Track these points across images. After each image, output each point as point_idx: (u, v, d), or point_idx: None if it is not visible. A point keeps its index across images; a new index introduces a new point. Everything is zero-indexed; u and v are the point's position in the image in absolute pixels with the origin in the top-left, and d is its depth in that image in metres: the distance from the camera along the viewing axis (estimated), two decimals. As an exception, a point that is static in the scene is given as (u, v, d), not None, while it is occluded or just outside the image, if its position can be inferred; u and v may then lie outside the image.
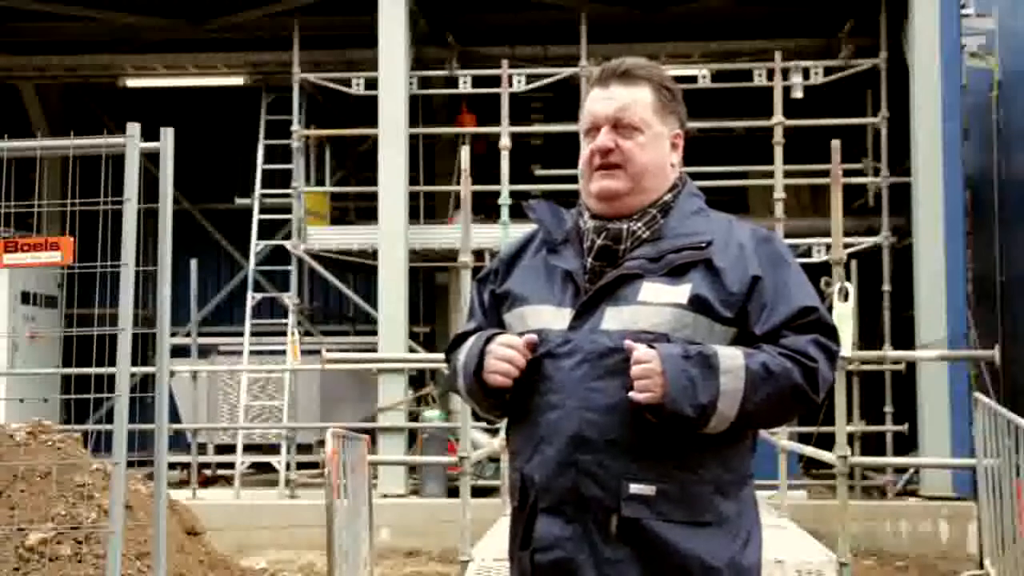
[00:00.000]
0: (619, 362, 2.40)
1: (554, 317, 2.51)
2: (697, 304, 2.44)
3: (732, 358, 2.39)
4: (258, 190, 13.72)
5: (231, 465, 12.36)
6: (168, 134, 4.59)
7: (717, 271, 2.46)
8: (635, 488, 2.39)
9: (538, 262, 2.63)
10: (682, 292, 2.44)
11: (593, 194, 2.58)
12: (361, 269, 13.70)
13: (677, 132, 2.63)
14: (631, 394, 2.36)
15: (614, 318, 2.45)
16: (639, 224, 2.54)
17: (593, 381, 2.43)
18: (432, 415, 11.93)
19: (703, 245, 2.49)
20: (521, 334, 2.52)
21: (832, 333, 2.49)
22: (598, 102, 2.58)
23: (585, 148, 2.60)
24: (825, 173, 8.37)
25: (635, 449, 2.40)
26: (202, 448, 12.67)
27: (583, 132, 2.62)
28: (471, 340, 2.63)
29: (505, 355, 2.48)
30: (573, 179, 12.47)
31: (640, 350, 2.37)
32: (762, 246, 2.53)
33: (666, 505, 2.40)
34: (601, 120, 2.56)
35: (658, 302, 2.44)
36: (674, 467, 2.41)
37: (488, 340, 2.54)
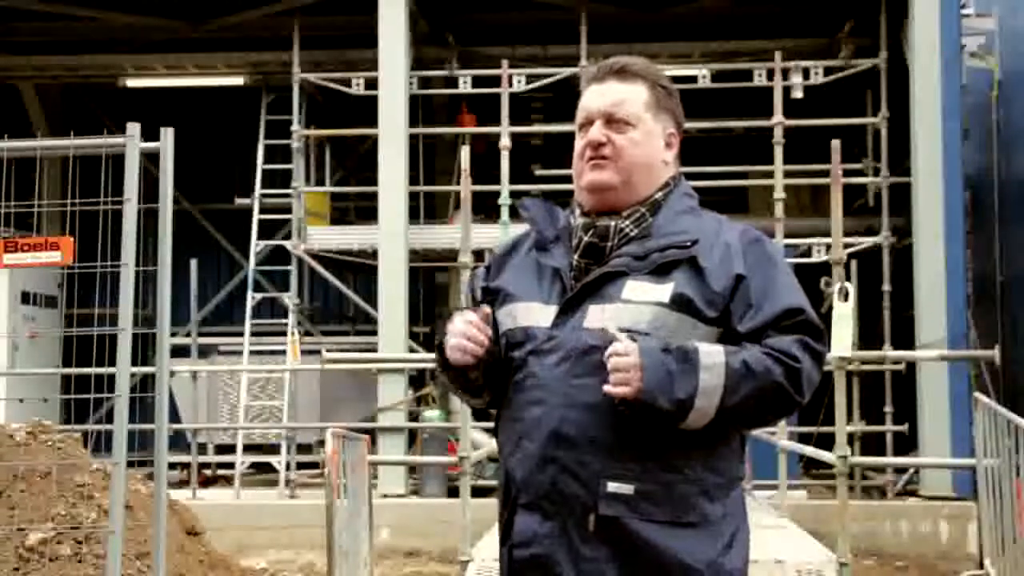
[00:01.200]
0: (601, 359, 2.39)
1: (542, 314, 2.52)
2: (679, 303, 2.43)
3: (713, 354, 2.38)
4: (258, 190, 13.72)
5: (231, 465, 12.35)
6: (168, 134, 4.59)
7: (701, 270, 2.46)
8: (613, 487, 2.39)
9: (530, 260, 2.64)
10: (665, 291, 2.44)
11: (584, 186, 2.59)
12: (361, 269, 13.70)
13: (672, 131, 2.63)
14: (606, 387, 2.35)
15: (597, 316, 2.45)
16: (627, 222, 2.55)
17: (575, 378, 2.43)
18: (432, 415, 11.92)
19: (688, 244, 2.48)
20: (511, 331, 2.54)
21: (819, 334, 2.47)
22: (592, 97, 2.60)
23: (578, 142, 2.61)
24: (825, 173, 8.37)
25: (615, 447, 2.40)
26: (202, 448, 12.66)
27: (577, 127, 2.63)
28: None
29: (463, 330, 2.50)
30: (572, 179, 12.45)
31: (619, 343, 2.36)
32: (750, 246, 2.52)
33: (647, 504, 2.39)
34: (594, 114, 2.57)
35: (640, 300, 2.44)
36: (656, 467, 2.40)
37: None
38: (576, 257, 2.54)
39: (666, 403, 2.34)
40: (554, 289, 2.54)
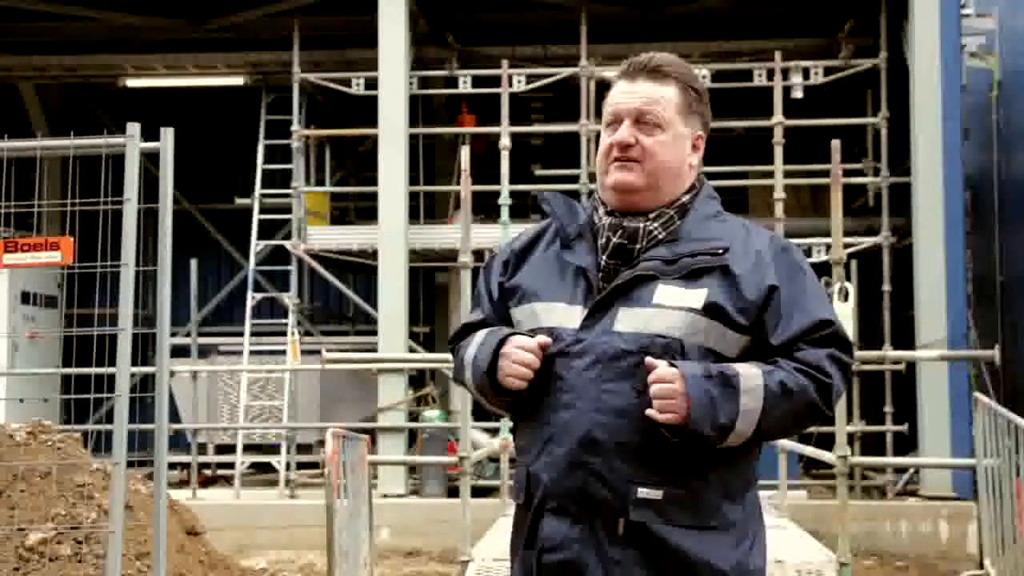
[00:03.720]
0: (632, 365, 2.39)
1: (566, 315, 2.49)
2: (712, 311, 2.42)
3: (752, 378, 2.39)
4: (258, 190, 13.72)
5: (231, 465, 12.35)
6: (168, 134, 4.59)
7: (734, 277, 2.44)
8: (643, 492, 2.39)
9: (550, 257, 2.59)
10: (698, 297, 2.43)
11: (608, 186, 2.55)
12: (361, 269, 13.70)
13: (699, 134, 2.61)
14: (649, 412, 2.35)
15: (628, 319, 2.43)
16: (656, 224, 2.52)
17: (605, 383, 2.41)
18: (432, 415, 11.93)
19: (720, 251, 2.47)
20: (532, 331, 2.50)
21: (847, 347, 2.49)
22: (623, 95, 2.56)
23: (605, 140, 2.57)
24: (825, 173, 8.38)
25: (644, 453, 2.40)
26: (202, 448, 12.66)
27: (604, 124, 2.59)
28: (481, 335, 2.59)
29: (522, 359, 2.45)
30: (573, 179, 12.48)
31: (661, 368, 2.35)
32: (780, 255, 2.51)
33: (674, 510, 2.40)
34: (624, 113, 2.54)
35: (673, 306, 2.42)
36: (684, 472, 2.41)
37: (502, 341, 2.50)
38: (604, 258, 2.51)
39: (709, 429, 2.35)
40: (579, 289, 2.51)
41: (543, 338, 2.46)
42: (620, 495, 2.39)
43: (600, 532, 2.41)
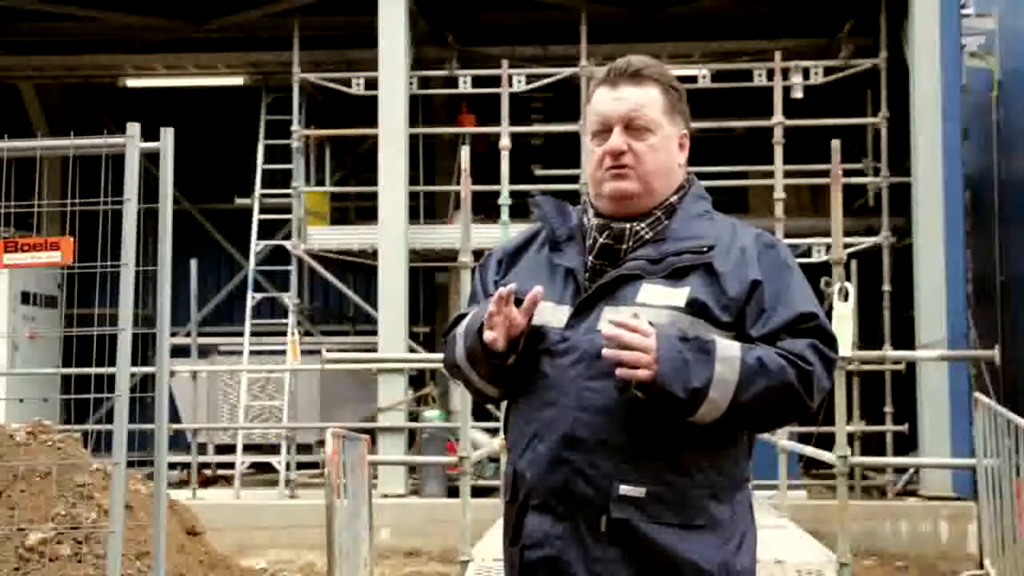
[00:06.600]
0: (614, 363, 2.39)
1: (554, 314, 2.51)
2: (695, 308, 2.44)
3: (729, 348, 2.39)
4: (258, 190, 13.72)
5: (231, 465, 12.35)
6: (168, 134, 4.59)
7: (717, 275, 2.46)
8: (625, 489, 2.39)
9: (541, 258, 2.62)
10: (680, 295, 2.44)
11: (605, 195, 2.56)
12: (361, 269, 13.71)
13: (684, 133, 2.63)
14: (619, 371, 2.35)
15: (611, 318, 2.44)
16: (643, 225, 2.54)
17: (588, 380, 2.43)
18: (432, 415, 11.93)
19: (704, 249, 2.49)
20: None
21: (831, 341, 2.48)
22: (608, 102, 2.57)
23: (594, 149, 2.58)
24: (825, 173, 8.38)
25: (627, 450, 2.40)
26: (202, 448, 12.66)
27: (592, 133, 2.60)
28: (477, 307, 2.61)
29: (495, 309, 2.44)
30: (573, 179, 12.47)
31: (638, 321, 2.35)
32: (765, 251, 2.52)
33: (657, 507, 2.40)
34: (613, 121, 2.55)
35: (656, 304, 2.44)
36: (667, 469, 2.41)
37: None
38: (591, 258, 2.54)
39: (680, 391, 2.34)
40: (567, 289, 2.53)
41: (538, 289, 2.44)
42: (602, 492, 2.40)
43: (583, 529, 2.41)
